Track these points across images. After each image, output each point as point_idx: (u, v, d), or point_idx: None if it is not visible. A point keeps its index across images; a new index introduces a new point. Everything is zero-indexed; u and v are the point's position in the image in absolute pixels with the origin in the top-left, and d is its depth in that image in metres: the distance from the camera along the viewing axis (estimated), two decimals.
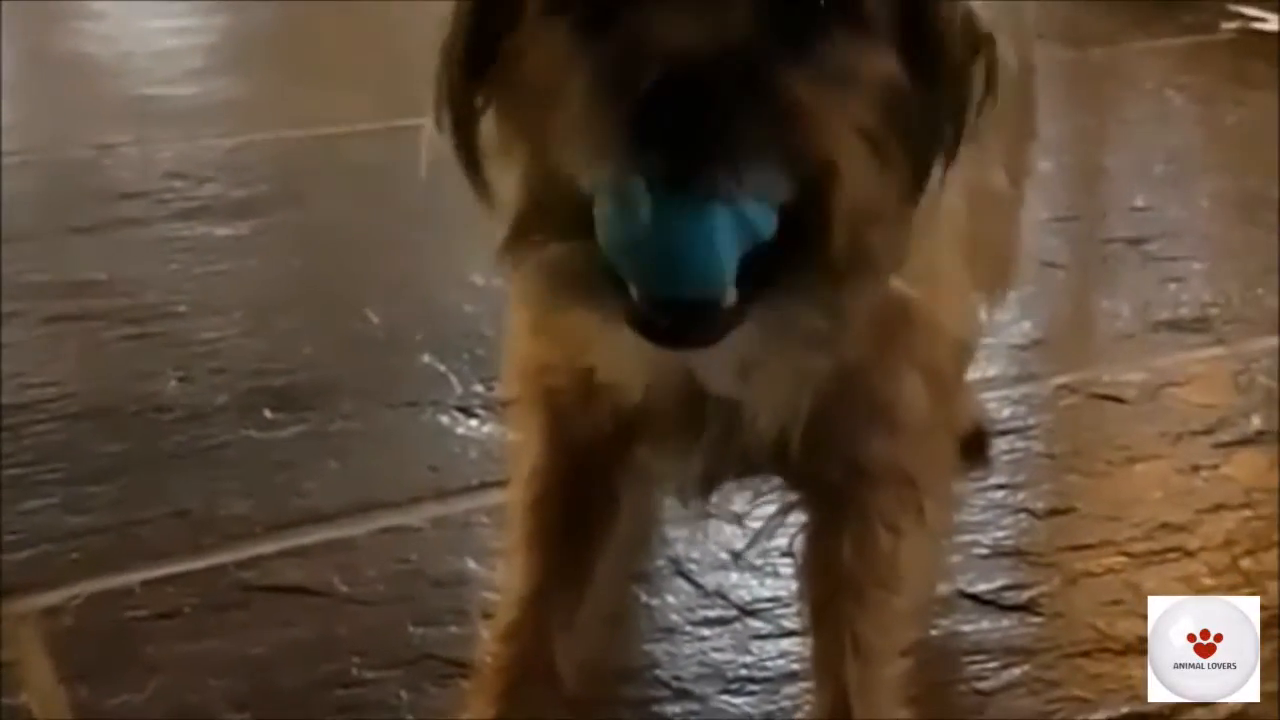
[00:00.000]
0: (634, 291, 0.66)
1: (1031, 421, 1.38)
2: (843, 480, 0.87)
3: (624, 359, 0.76)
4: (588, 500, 0.93)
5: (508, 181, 0.72)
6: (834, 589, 0.90)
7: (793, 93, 0.63)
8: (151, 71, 2.25)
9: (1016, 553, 1.20)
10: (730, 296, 0.66)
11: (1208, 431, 1.37)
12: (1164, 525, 1.22)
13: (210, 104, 2.12)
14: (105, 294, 1.56)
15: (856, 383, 0.81)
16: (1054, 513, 1.25)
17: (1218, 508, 1.25)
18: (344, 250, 1.70)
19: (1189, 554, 1.19)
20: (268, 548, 1.17)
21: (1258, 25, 2.60)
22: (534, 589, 0.93)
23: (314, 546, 1.18)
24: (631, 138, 0.61)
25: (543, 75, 0.68)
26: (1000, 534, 1.21)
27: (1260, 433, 1.37)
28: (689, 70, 0.61)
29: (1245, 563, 1.18)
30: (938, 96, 0.69)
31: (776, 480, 0.92)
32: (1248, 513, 1.25)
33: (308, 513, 1.21)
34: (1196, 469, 1.31)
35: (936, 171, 0.69)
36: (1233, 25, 2.60)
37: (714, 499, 0.91)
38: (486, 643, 0.96)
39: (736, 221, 0.64)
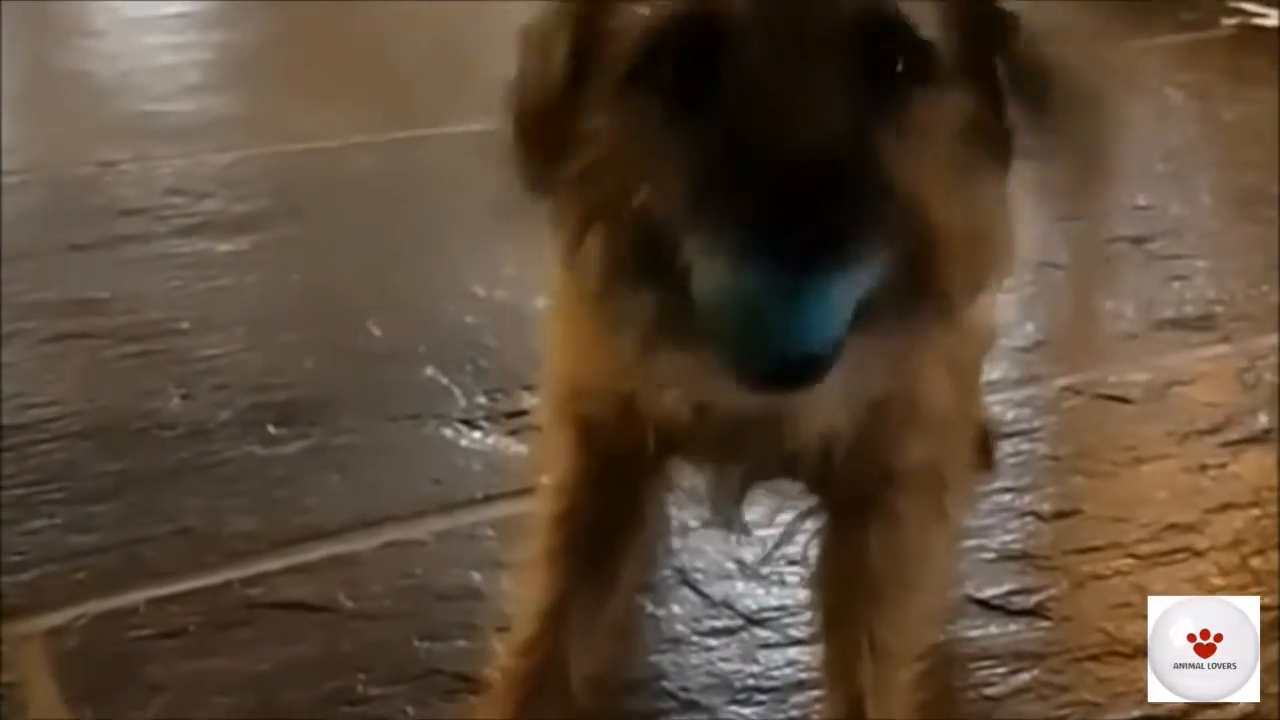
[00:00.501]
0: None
1: (1036, 424, 1.38)
2: (877, 485, 0.87)
3: (671, 387, 0.76)
4: (613, 514, 0.93)
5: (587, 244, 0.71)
6: (852, 590, 0.90)
7: (892, 169, 0.64)
8: (150, 88, 2.25)
9: (1023, 556, 1.19)
10: (834, 350, 0.66)
11: (1214, 430, 1.36)
12: (1171, 526, 1.22)
13: (208, 120, 2.12)
14: (106, 311, 1.55)
15: (894, 387, 0.80)
16: (1060, 515, 1.25)
17: (1225, 507, 1.25)
18: (344, 264, 1.70)
19: (1197, 554, 1.19)
20: (272, 564, 1.17)
21: (1259, 21, 2.59)
22: (554, 603, 0.93)
23: (318, 562, 1.17)
24: (743, 230, 0.62)
25: (627, 145, 0.68)
26: (1007, 538, 1.21)
27: (1267, 431, 1.36)
28: (795, 159, 0.61)
29: (1255, 562, 1.18)
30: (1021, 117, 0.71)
31: (797, 488, 0.92)
32: (1256, 511, 1.24)
33: (311, 528, 1.21)
34: (1203, 468, 1.31)
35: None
36: (1233, 21, 2.59)
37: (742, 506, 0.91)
38: (500, 656, 0.96)
39: (846, 291, 0.64)
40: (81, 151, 1.98)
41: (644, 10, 0.68)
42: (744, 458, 0.84)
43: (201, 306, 1.57)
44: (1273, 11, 2.62)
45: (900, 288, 0.67)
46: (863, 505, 0.89)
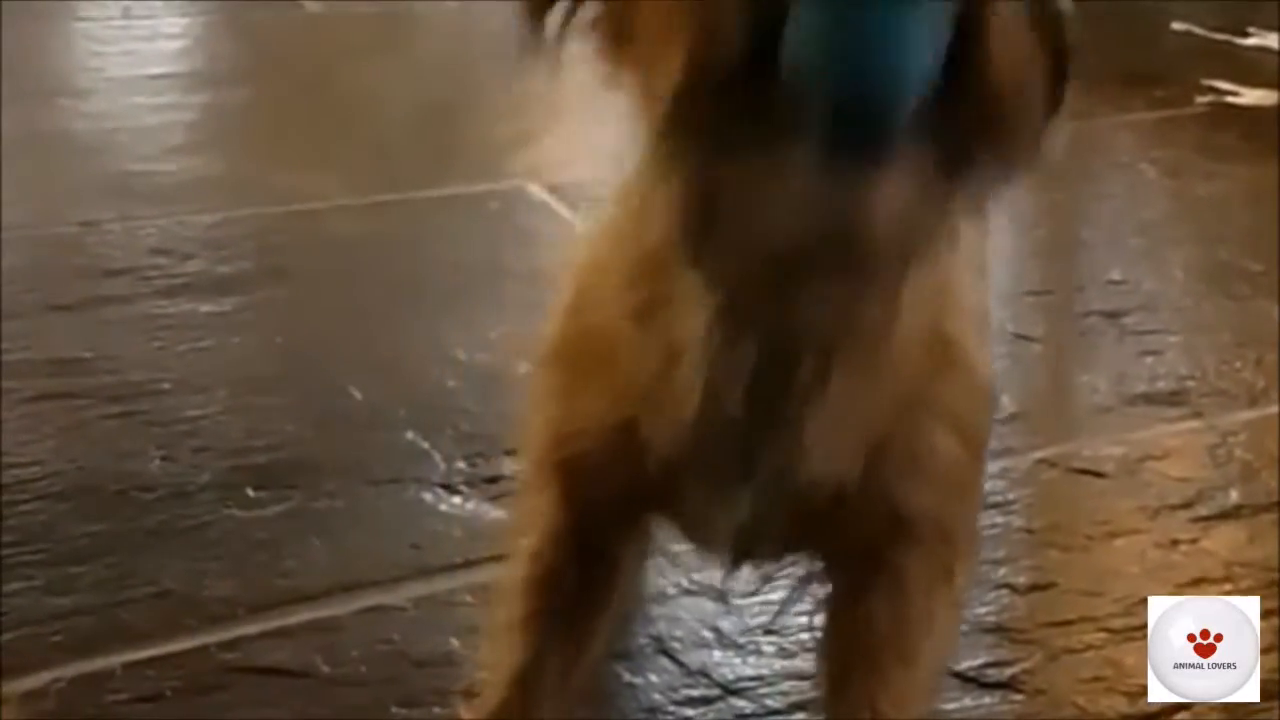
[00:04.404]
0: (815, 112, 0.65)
1: (1011, 496, 1.39)
2: (883, 537, 0.86)
3: (679, 391, 0.76)
4: (590, 578, 0.93)
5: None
6: (855, 659, 0.90)
7: None
8: (134, 149, 2.26)
9: (998, 629, 1.20)
10: (908, 113, 0.65)
11: (1186, 505, 1.38)
12: (1144, 600, 1.22)
13: (192, 181, 2.13)
14: (88, 372, 1.56)
15: (902, 427, 0.81)
16: (1034, 588, 1.26)
17: (1197, 582, 1.26)
18: (327, 326, 1.71)
19: None
20: (250, 628, 1.17)
21: (1231, 99, 2.64)
22: (527, 667, 0.93)
23: (297, 627, 1.17)
24: None
25: None
26: (981, 610, 1.22)
27: (1238, 506, 1.38)
28: None
29: None
30: None
31: (798, 556, 0.93)
32: (1228, 587, 1.25)
33: (291, 592, 1.21)
34: (1175, 543, 1.32)
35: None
36: (1206, 99, 2.64)
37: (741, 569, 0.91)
38: None
39: (923, 30, 0.64)
40: (64, 211, 1.99)
41: None
42: (749, 492, 0.81)
43: (183, 368, 1.57)
44: (1246, 89, 2.66)
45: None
46: (867, 565, 0.88)
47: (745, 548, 0.88)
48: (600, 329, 0.83)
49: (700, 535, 0.92)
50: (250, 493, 1.35)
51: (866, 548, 0.87)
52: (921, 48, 0.65)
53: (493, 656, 0.96)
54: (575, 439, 0.86)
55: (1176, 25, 3.11)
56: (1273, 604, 1.21)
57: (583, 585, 0.93)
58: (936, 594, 0.89)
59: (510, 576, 0.95)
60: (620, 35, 0.71)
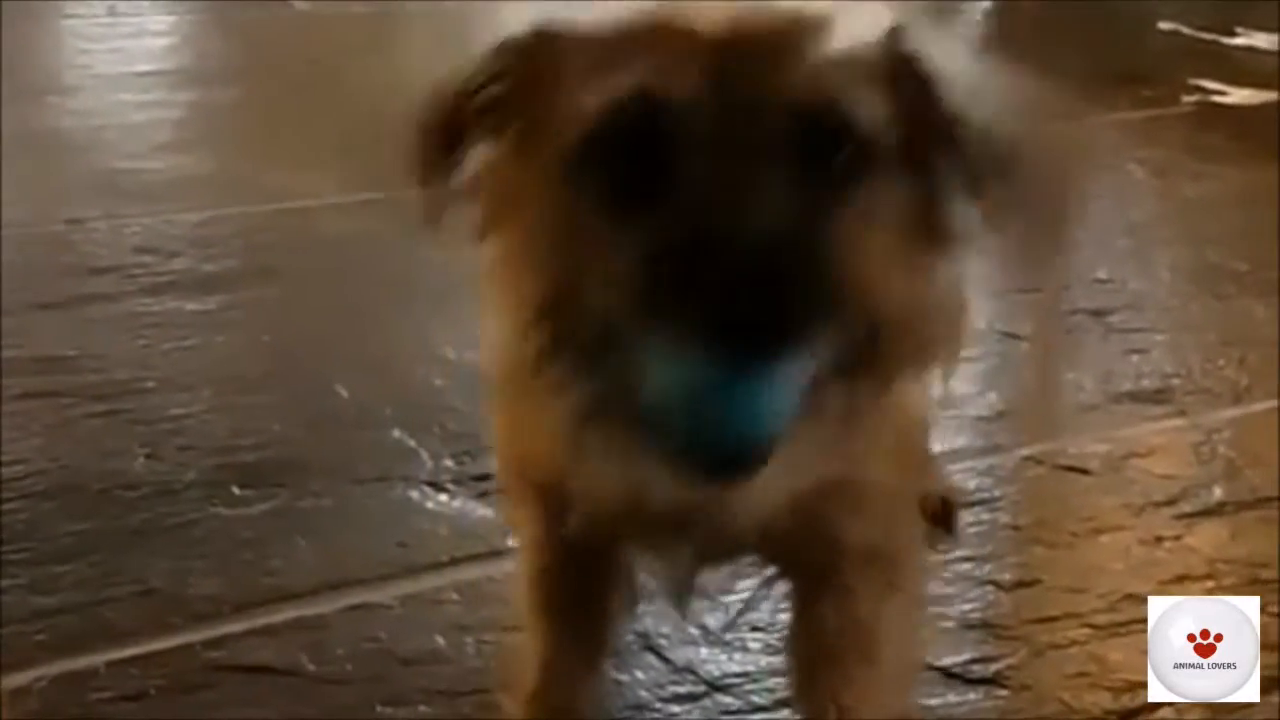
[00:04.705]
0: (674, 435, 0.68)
1: (997, 493, 1.39)
2: (821, 558, 0.89)
3: (603, 477, 0.78)
4: (590, 570, 0.95)
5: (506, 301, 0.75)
6: (817, 658, 0.92)
7: (836, 259, 0.66)
8: (120, 146, 2.26)
9: (983, 625, 1.20)
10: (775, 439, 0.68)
11: (1170, 502, 1.38)
12: (1128, 597, 1.23)
13: (178, 179, 2.13)
14: (73, 370, 1.55)
15: (833, 471, 0.82)
16: (1020, 585, 1.26)
17: (1181, 579, 1.26)
18: (312, 325, 1.71)
19: None
20: (236, 627, 1.17)
21: (1217, 99, 2.65)
22: (554, 658, 0.96)
23: (282, 625, 1.17)
24: (695, 325, 0.64)
25: (569, 234, 0.70)
26: (966, 607, 1.22)
27: (1222, 503, 1.38)
28: (744, 255, 0.63)
29: None
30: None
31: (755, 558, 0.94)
32: (1210, 584, 1.26)
33: (276, 590, 1.21)
34: (1159, 540, 1.32)
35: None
36: (1192, 99, 2.64)
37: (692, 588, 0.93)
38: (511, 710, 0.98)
39: (790, 381, 0.67)
40: (51, 209, 1.98)
41: (587, 97, 0.68)
42: (688, 540, 0.85)
43: (168, 366, 1.57)
44: (1232, 89, 2.67)
45: (843, 372, 0.70)
46: (815, 578, 0.90)
47: (701, 571, 0.91)
48: (522, 407, 0.84)
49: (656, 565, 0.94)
50: (236, 491, 1.34)
51: (808, 565, 0.90)
52: (771, 406, 0.67)
53: (524, 649, 0.98)
54: (533, 467, 0.88)
55: (1163, 25, 3.12)
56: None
57: (589, 576, 0.95)
58: (884, 604, 0.90)
59: (517, 572, 0.98)
60: (495, 222, 0.76)
